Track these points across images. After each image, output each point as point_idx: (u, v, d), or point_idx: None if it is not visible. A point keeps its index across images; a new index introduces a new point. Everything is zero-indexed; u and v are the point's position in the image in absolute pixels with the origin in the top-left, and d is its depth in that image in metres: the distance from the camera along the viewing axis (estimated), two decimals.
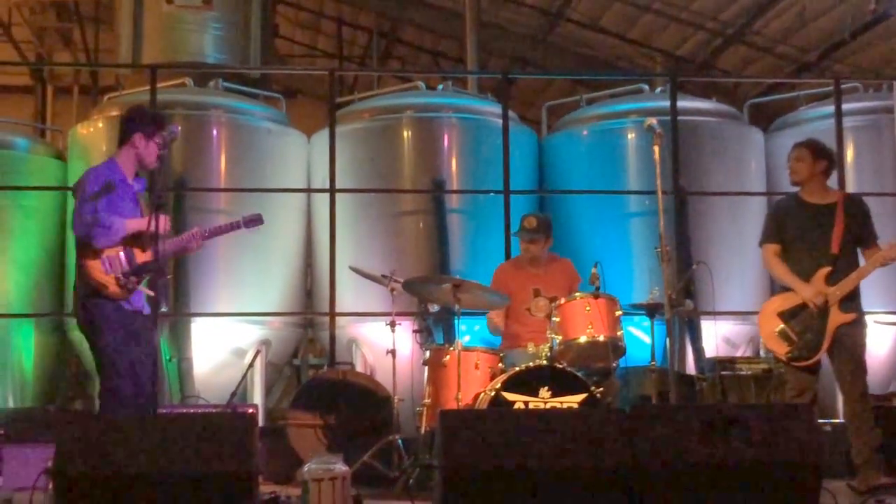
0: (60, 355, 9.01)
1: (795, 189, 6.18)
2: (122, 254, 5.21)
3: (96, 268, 5.20)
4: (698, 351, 8.02)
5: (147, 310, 5.33)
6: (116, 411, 5.13)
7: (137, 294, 5.27)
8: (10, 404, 8.46)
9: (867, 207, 6.16)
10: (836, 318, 5.86)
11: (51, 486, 4.18)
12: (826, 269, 5.89)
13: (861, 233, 6.00)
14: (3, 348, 8.48)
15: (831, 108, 8.49)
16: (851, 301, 5.92)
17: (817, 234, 5.99)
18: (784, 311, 6.03)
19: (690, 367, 8.00)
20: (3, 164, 8.67)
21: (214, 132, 8.41)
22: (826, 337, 5.86)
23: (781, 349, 6.00)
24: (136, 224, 5.26)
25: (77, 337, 8.49)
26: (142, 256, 5.27)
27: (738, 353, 8.07)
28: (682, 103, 8.50)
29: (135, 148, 5.38)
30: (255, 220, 5.61)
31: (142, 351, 5.26)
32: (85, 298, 5.25)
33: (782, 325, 5.99)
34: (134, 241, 5.27)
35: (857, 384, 5.85)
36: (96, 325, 5.25)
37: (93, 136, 8.65)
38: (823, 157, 6.13)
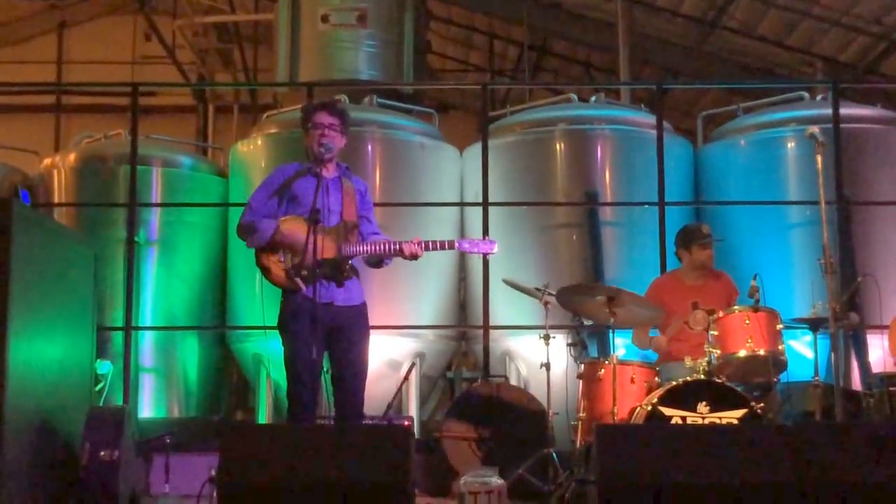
0: (223, 367, 9.26)
1: None
2: (302, 243, 5.10)
3: (270, 256, 5.26)
4: (864, 366, 7.74)
5: (353, 300, 5.34)
6: (296, 420, 5.15)
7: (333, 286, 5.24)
8: (176, 414, 8.74)
9: None
10: None
11: (215, 493, 4.29)
12: None
13: None
14: (168, 360, 8.77)
15: None
16: None
17: None
18: None
19: (856, 383, 7.72)
20: (169, 182, 8.97)
21: (369, 148, 8.52)
22: None
23: None
24: (293, 232, 5.24)
25: (238, 349, 8.74)
26: (328, 252, 5.22)
27: None
28: (845, 110, 8.22)
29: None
30: (478, 246, 5.50)
31: (339, 350, 5.27)
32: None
33: None
34: (333, 234, 5.25)
35: None
36: (279, 324, 5.31)
37: (252, 153, 8.87)
38: None
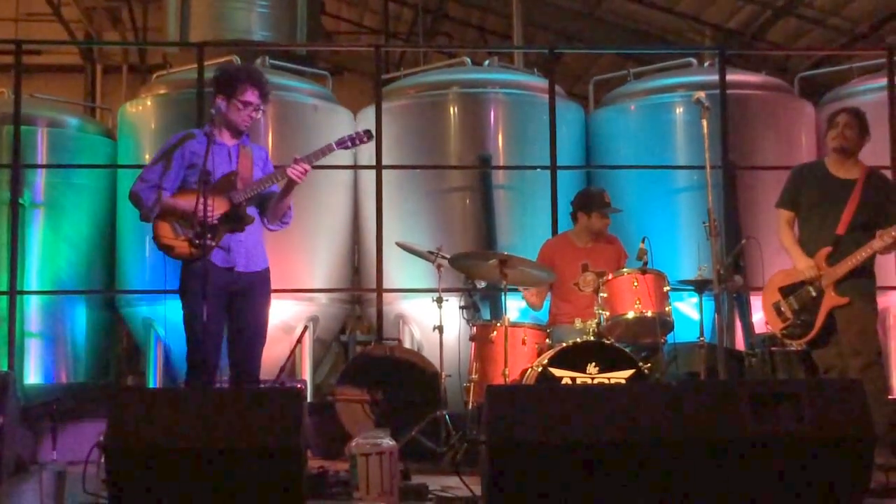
0: (112, 331, 9.12)
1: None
2: (197, 208, 4.97)
3: (165, 229, 5.18)
4: (747, 327, 7.95)
5: (255, 266, 5.31)
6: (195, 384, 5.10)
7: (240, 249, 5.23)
8: (64, 380, 8.58)
9: (890, 185, 6.02)
10: (830, 300, 5.81)
11: (103, 459, 4.23)
12: (826, 250, 5.85)
13: (878, 212, 5.83)
14: (56, 325, 8.59)
15: (884, 81, 8.34)
16: (850, 283, 5.79)
17: (830, 210, 5.90)
18: (785, 286, 6.03)
19: (740, 344, 7.93)
20: (55, 143, 8.76)
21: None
22: (819, 317, 5.83)
23: (777, 324, 6.05)
24: (184, 201, 5.16)
25: (128, 313, 8.61)
26: (221, 206, 5.15)
27: None
28: (732, 77, 8.38)
29: (219, 111, 5.31)
30: (356, 138, 5.46)
31: (239, 313, 5.24)
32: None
33: (778, 300, 6.01)
34: (219, 189, 5.14)
35: (856, 360, 5.71)
36: (180, 288, 5.23)
37: (141, 114, 8.71)
38: (868, 134, 6.02)
